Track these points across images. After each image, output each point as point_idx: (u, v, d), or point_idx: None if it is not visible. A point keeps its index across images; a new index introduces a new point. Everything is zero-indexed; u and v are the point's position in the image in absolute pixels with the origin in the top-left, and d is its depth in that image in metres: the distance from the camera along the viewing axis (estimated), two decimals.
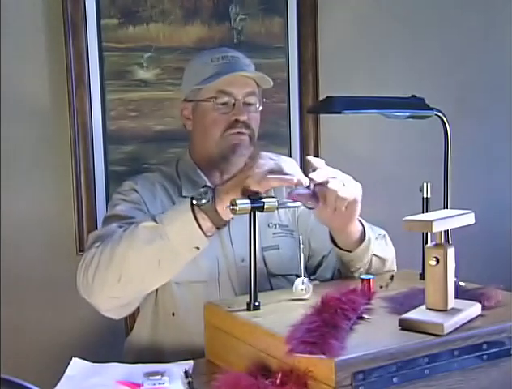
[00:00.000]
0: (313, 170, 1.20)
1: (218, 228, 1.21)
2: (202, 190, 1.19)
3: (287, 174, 1.16)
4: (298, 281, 1.17)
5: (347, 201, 1.22)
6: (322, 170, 1.21)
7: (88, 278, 1.22)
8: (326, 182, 1.20)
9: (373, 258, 1.37)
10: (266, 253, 1.44)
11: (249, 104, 1.44)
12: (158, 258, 1.18)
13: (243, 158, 1.46)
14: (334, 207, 1.22)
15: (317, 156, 2.02)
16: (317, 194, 1.21)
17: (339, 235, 1.34)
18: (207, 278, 1.38)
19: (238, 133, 1.42)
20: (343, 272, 1.42)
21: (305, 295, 1.16)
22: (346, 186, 1.21)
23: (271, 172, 1.15)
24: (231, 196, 1.15)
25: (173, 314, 1.37)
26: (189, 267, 1.24)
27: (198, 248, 1.20)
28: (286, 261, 1.46)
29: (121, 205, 1.38)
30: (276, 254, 1.46)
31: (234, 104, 1.42)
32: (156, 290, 1.36)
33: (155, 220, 1.21)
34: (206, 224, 1.18)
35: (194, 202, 1.17)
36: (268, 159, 1.18)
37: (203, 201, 1.17)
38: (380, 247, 1.39)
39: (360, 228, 1.33)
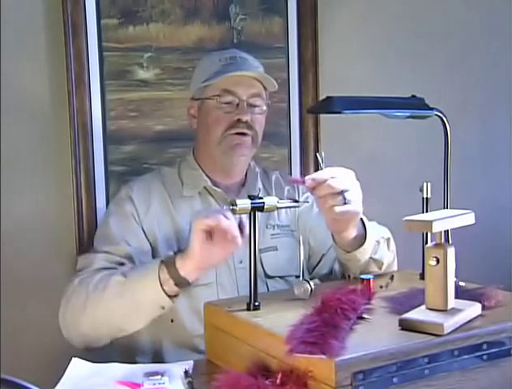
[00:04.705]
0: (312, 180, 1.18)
1: (183, 288, 1.23)
2: (171, 254, 1.24)
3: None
4: (299, 281, 1.17)
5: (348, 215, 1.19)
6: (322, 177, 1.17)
7: (66, 316, 1.29)
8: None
9: (370, 260, 1.36)
10: (263, 254, 1.44)
11: (254, 106, 1.44)
12: (126, 312, 1.23)
13: (244, 158, 1.46)
14: (336, 225, 1.25)
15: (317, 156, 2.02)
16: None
17: (339, 236, 1.32)
18: (205, 281, 1.37)
19: (240, 133, 1.42)
20: (338, 271, 1.42)
21: (305, 295, 1.16)
22: (348, 202, 1.16)
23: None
24: (191, 259, 1.19)
25: (172, 321, 1.36)
26: None
27: (163, 307, 1.23)
28: (283, 262, 1.45)
29: (113, 217, 1.42)
30: (274, 255, 1.45)
31: (238, 105, 1.42)
32: None
33: (125, 276, 1.25)
34: (171, 286, 1.21)
35: (163, 267, 1.21)
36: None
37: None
38: (380, 251, 1.37)
39: (362, 231, 1.30)
